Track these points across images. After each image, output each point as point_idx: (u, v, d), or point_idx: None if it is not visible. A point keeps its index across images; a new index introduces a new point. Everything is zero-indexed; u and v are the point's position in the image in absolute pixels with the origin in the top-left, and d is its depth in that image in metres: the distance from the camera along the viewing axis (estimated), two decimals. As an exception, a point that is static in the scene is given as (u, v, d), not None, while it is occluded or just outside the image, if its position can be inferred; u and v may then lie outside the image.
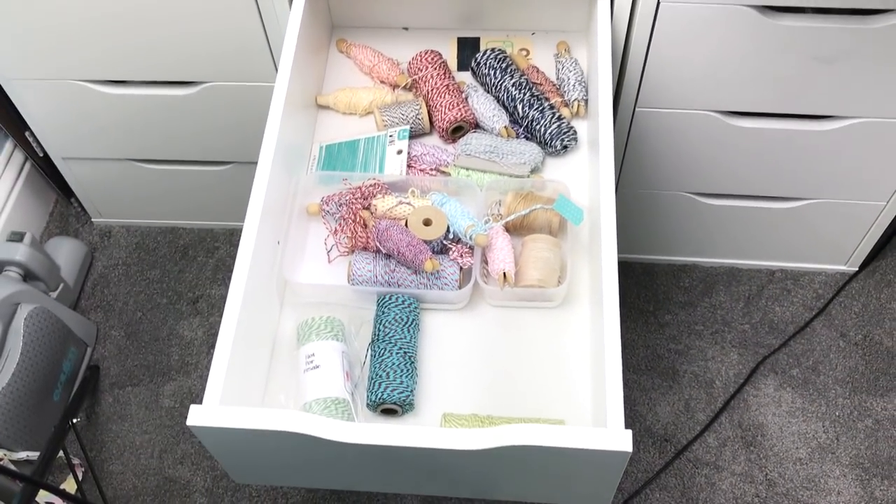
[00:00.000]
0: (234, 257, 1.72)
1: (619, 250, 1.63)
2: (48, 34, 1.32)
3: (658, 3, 1.15)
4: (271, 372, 1.05)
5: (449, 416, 0.98)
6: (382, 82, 1.31)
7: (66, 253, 1.65)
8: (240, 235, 1.02)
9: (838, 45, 1.18)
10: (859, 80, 1.23)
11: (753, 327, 1.61)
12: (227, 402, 0.91)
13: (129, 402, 1.56)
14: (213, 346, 1.61)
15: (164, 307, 1.67)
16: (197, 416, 0.85)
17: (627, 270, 1.68)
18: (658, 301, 1.65)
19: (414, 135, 1.24)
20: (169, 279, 1.70)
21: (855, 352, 1.57)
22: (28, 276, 1.51)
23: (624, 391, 1.52)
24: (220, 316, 1.64)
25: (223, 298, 1.67)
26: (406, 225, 1.09)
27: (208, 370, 1.57)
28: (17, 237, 1.50)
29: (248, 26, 1.28)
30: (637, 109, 1.33)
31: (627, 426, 0.85)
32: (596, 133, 1.12)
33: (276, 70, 1.32)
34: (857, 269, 1.66)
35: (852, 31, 1.16)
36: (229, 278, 1.69)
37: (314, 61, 1.29)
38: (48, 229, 1.78)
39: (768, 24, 1.16)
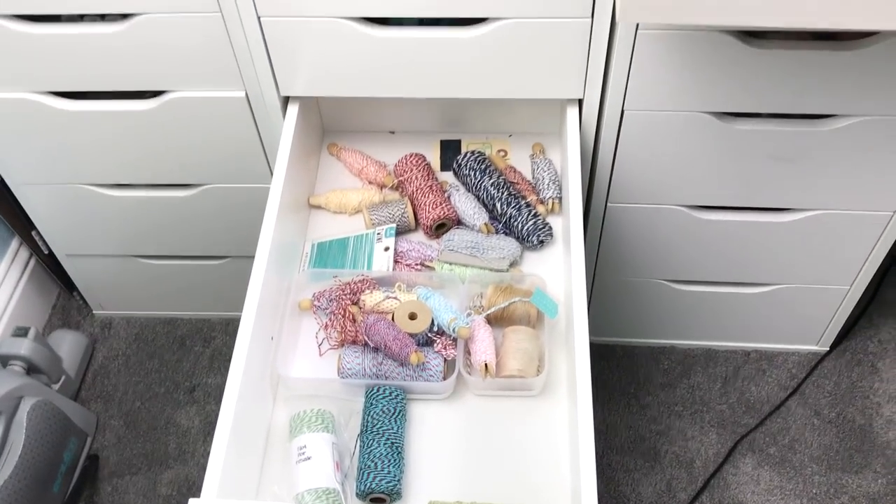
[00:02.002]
0: (230, 346, 1.78)
1: (601, 334, 1.72)
2: (56, 144, 1.40)
3: (623, 111, 1.25)
4: (265, 463, 1.10)
5: (434, 504, 1.03)
6: (370, 183, 1.39)
7: (68, 346, 1.71)
8: (236, 325, 1.09)
9: (792, 146, 1.28)
10: (814, 176, 1.32)
11: (731, 407, 1.66)
12: (224, 494, 0.96)
13: (128, 490, 1.60)
14: (209, 434, 1.66)
15: (162, 396, 1.72)
16: (195, 510, 0.90)
17: (609, 353, 1.75)
18: (639, 383, 1.70)
19: (400, 232, 1.31)
20: (167, 369, 1.76)
21: (829, 430, 1.63)
22: (31, 369, 1.56)
23: (607, 473, 1.57)
24: (217, 404, 1.70)
25: (219, 387, 1.72)
26: (392, 319, 1.16)
27: (205, 458, 1.63)
28: (21, 332, 1.56)
29: (244, 133, 1.37)
30: (609, 204, 1.41)
31: (611, 507, 0.90)
32: (569, 229, 1.20)
33: (271, 172, 1.41)
34: (828, 348, 1.72)
35: (805, 134, 1.25)
36: (225, 367, 1.76)
37: (306, 164, 1.38)
38: (51, 321, 1.85)
39: (726, 127, 1.26)
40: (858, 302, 1.60)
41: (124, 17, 1.20)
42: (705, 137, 1.27)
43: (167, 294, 1.77)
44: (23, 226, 1.63)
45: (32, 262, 1.80)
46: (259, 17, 1.18)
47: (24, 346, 1.54)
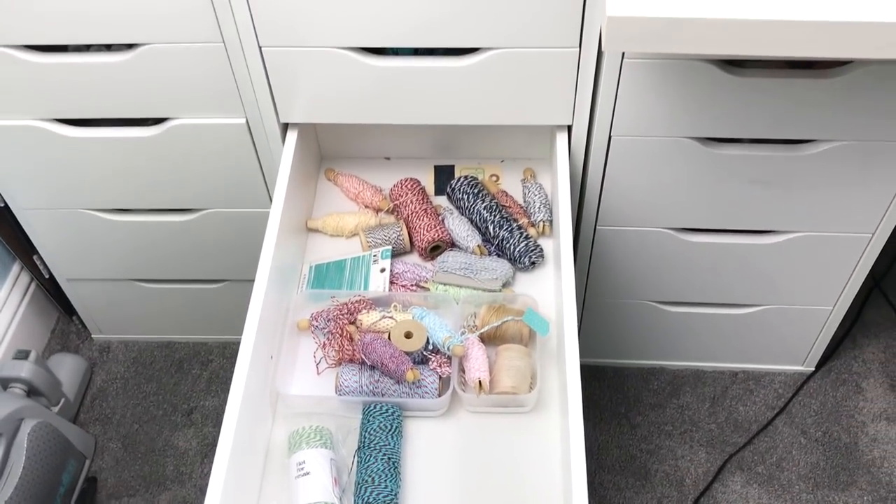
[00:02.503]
0: (227, 369, 1.81)
1: (591, 355, 1.75)
2: (60, 170, 1.44)
3: (610, 137, 1.29)
4: (265, 479, 1.12)
5: (430, 517, 1.06)
6: (367, 207, 1.42)
7: (67, 369, 1.73)
8: (233, 348, 1.12)
9: (773, 170, 1.32)
10: (794, 199, 1.36)
11: (719, 426, 1.70)
12: (226, 508, 0.99)
13: (125, 512, 1.62)
14: (206, 457, 1.68)
15: (159, 419, 1.74)
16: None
17: (600, 374, 1.78)
18: (629, 403, 1.74)
19: (396, 254, 1.35)
20: (165, 392, 1.78)
21: (816, 448, 1.66)
22: (31, 391, 1.58)
23: (599, 492, 1.60)
24: (214, 426, 1.72)
25: (216, 409, 1.74)
26: (389, 338, 1.19)
27: (202, 480, 1.65)
28: (22, 355, 1.58)
29: (244, 159, 1.40)
30: (598, 227, 1.45)
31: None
32: (559, 251, 1.24)
33: (270, 198, 1.45)
34: (813, 368, 1.76)
35: (785, 159, 1.30)
36: (223, 390, 1.78)
37: (305, 190, 1.41)
38: (50, 345, 1.87)
39: (709, 153, 1.30)
40: (842, 322, 1.64)
41: (129, 47, 1.24)
42: (690, 162, 1.32)
43: (165, 318, 1.79)
44: (24, 250, 1.66)
45: (33, 286, 1.83)
46: (260, 47, 1.22)
47: (24, 369, 1.56)
